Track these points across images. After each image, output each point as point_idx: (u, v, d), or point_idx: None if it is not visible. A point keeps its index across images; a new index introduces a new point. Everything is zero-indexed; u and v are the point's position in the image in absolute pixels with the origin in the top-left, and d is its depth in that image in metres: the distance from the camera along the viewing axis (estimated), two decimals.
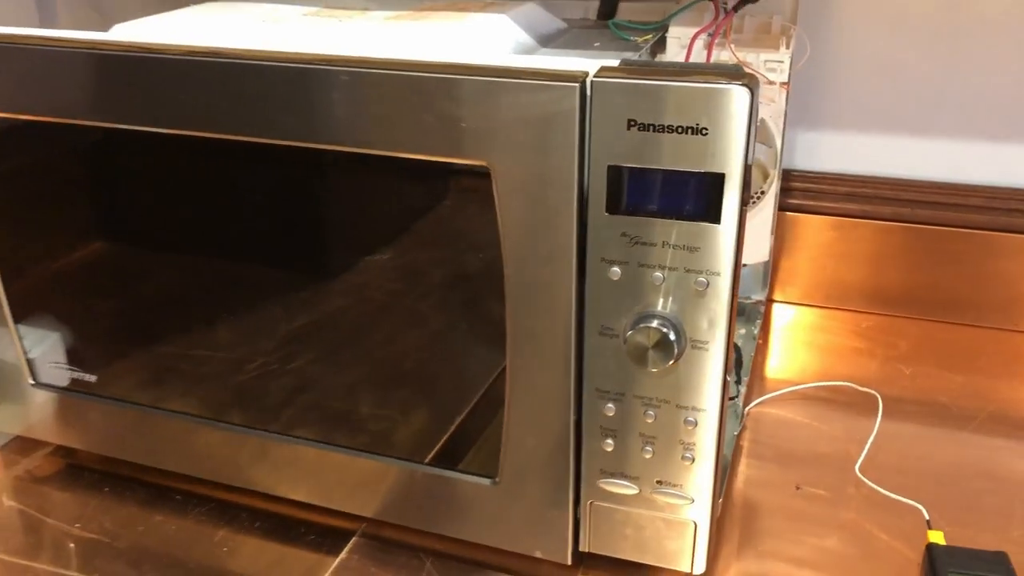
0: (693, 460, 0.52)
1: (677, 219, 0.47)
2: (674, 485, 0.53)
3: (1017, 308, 0.85)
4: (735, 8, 0.72)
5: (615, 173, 0.47)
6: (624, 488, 0.54)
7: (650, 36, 0.71)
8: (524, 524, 0.56)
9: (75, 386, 0.66)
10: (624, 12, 0.80)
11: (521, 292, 0.51)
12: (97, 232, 0.64)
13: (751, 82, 0.45)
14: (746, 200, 0.48)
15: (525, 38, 0.68)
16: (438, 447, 0.58)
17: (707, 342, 0.49)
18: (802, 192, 0.90)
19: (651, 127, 0.46)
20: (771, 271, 0.89)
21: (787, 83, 0.73)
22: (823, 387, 0.77)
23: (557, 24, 0.74)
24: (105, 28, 0.63)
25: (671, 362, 0.49)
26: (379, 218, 0.55)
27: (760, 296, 0.88)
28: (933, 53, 0.83)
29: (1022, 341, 0.84)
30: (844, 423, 0.72)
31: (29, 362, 0.67)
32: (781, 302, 0.93)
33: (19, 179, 0.63)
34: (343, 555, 0.61)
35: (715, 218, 0.47)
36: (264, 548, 0.62)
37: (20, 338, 0.66)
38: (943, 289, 0.87)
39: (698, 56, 0.70)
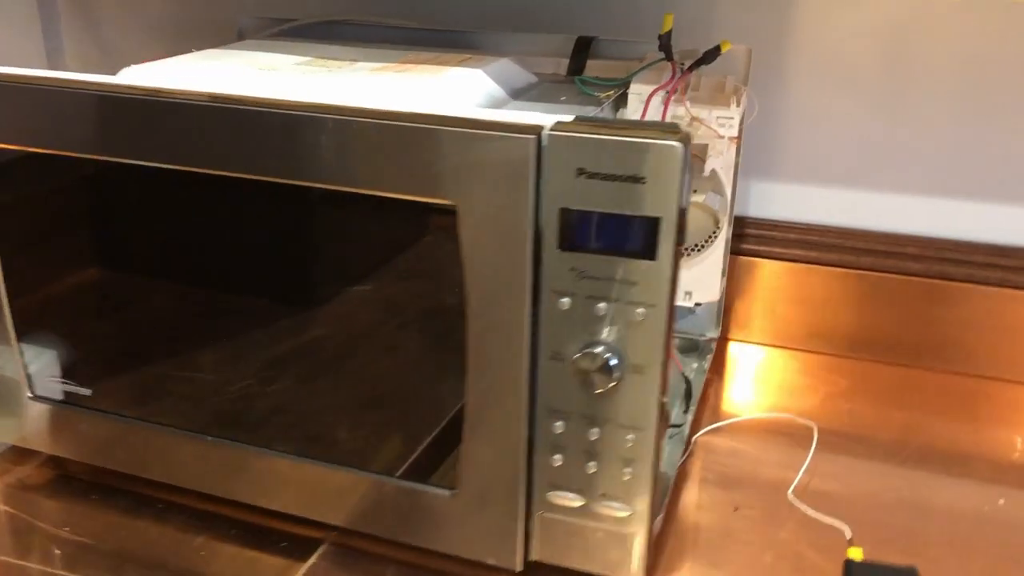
0: (632, 475, 0.58)
1: (619, 256, 0.53)
2: (616, 498, 0.59)
3: (948, 350, 0.92)
4: (690, 69, 0.79)
5: (566, 215, 0.53)
6: (571, 500, 0.60)
7: (611, 92, 0.78)
8: (479, 533, 0.61)
9: (70, 399, 0.71)
10: (592, 69, 0.86)
11: (482, 320, 0.56)
12: (95, 257, 0.69)
13: (684, 138, 0.51)
14: (681, 241, 0.54)
15: (498, 91, 0.74)
16: (409, 461, 0.64)
17: (644, 367, 0.55)
18: (755, 238, 0.97)
19: (597, 175, 0.52)
20: (724, 311, 0.95)
21: (737, 138, 0.79)
22: (765, 419, 0.83)
23: (529, 78, 0.81)
24: (113, 71, 0.69)
25: (612, 384, 0.55)
26: (360, 253, 0.61)
27: (713, 334, 0.94)
28: (876, 112, 0.91)
29: (952, 380, 0.91)
30: (783, 451, 0.78)
31: (28, 376, 0.72)
32: (737, 340, 0.99)
33: (27, 206, 0.69)
34: (312, 560, 0.65)
35: (652, 256, 0.53)
36: (239, 554, 0.66)
37: (22, 353, 0.71)
38: (882, 331, 0.94)
39: (655, 111, 0.77)
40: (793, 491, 0.72)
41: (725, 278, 0.92)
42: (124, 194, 0.66)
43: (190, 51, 0.78)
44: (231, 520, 0.69)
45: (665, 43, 0.77)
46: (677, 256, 0.53)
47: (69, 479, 0.74)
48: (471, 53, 0.82)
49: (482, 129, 0.52)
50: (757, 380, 0.91)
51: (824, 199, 0.95)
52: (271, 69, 0.73)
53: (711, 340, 0.93)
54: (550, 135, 0.52)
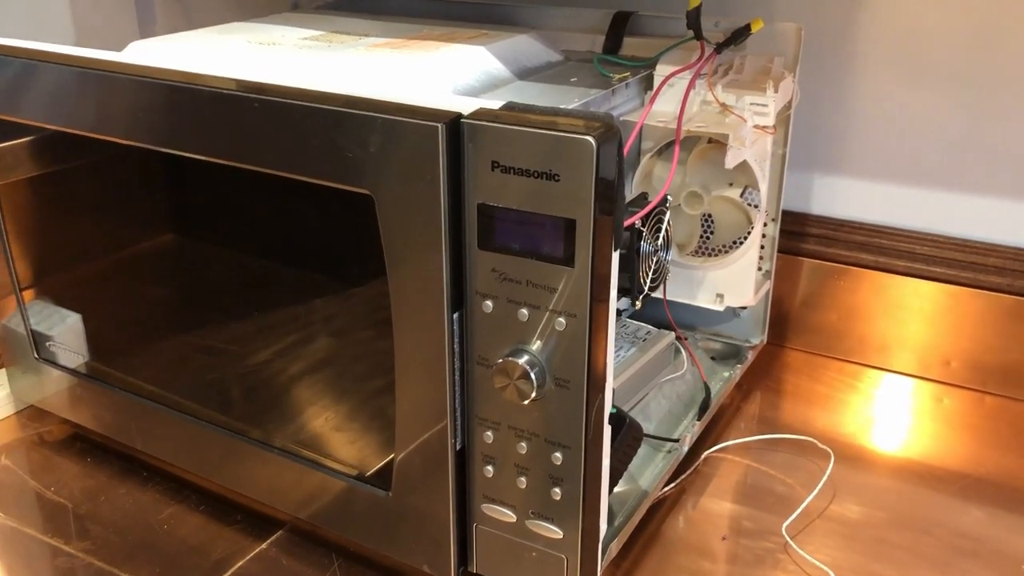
0: (563, 495, 0.53)
1: (537, 259, 0.49)
2: (545, 517, 0.54)
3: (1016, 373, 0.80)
4: (717, 49, 0.71)
5: (483, 210, 0.49)
6: (503, 515, 0.56)
7: (627, 74, 0.72)
8: (413, 538, 0.58)
9: (76, 366, 0.74)
10: (629, 47, 0.80)
11: (405, 317, 0.53)
12: (111, 235, 0.71)
13: (604, 133, 0.45)
14: (615, 245, 0.49)
15: (501, 71, 0.70)
16: (367, 460, 0.62)
17: (568, 381, 0.50)
18: (816, 238, 0.88)
19: (511, 170, 0.47)
20: (772, 315, 0.87)
21: (772, 127, 0.72)
22: (786, 439, 0.75)
23: (549, 56, 0.76)
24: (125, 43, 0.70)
25: (533, 396, 0.51)
26: (341, 248, 0.60)
27: (757, 340, 0.86)
28: (957, 103, 0.79)
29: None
30: (795, 478, 0.70)
31: (32, 337, 0.75)
32: (789, 348, 0.90)
33: (60, 182, 0.71)
34: (263, 545, 0.65)
35: (569, 261, 0.48)
36: (202, 528, 0.67)
37: (25, 313, 0.74)
38: (954, 350, 0.83)
39: (679, 94, 0.70)
40: (789, 526, 0.65)
41: (771, 280, 0.84)
42: (139, 169, 0.67)
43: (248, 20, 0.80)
44: (205, 495, 0.70)
45: (693, 20, 0.70)
46: (601, 261, 0.48)
47: (80, 439, 0.77)
48: (501, 28, 0.78)
49: (391, 114, 0.49)
50: (795, 395, 0.82)
51: (896, 199, 0.84)
52: (272, 45, 0.72)
53: (752, 347, 0.85)
54: (466, 123, 0.48)
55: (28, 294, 0.75)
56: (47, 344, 0.74)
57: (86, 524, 0.67)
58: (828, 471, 0.70)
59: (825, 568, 0.61)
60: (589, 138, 0.45)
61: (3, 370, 0.80)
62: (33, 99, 0.65)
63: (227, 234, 0.66)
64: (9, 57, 0.65)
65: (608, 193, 0.46)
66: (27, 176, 0.72)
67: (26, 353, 0.75)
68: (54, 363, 0.75)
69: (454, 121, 0.48)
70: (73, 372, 0.74)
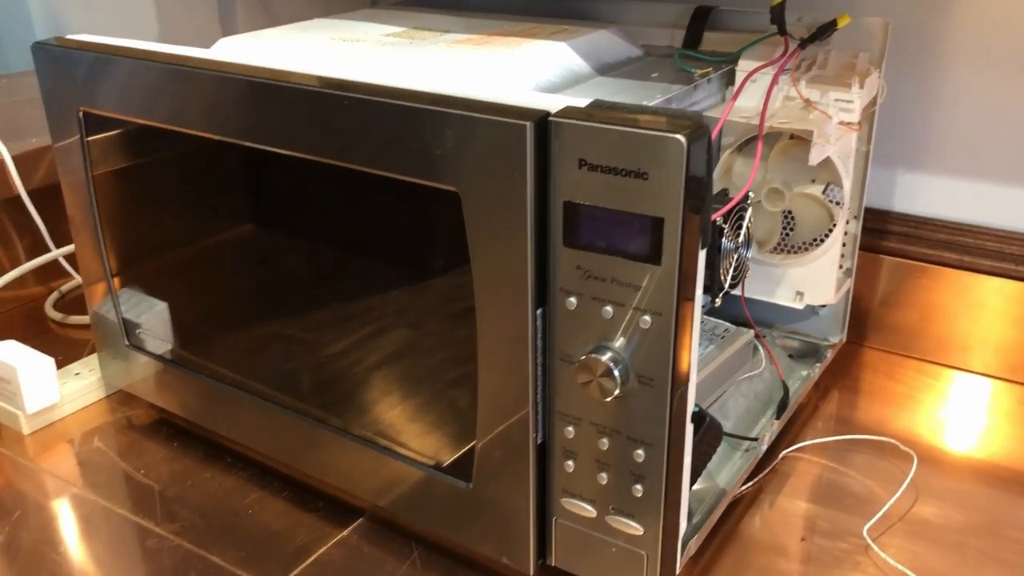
0: (644, 493, 0.53)
1: (623, 257, 0.49)
2: (625, 514, 0.55)
3: None
4: (801, 45, 0.70)
5: (569, 208, 0.49)
6: (583, 510, 0.56)
7: (709, 69, 0.71)
8: (493, 529, 0.59)
9: (164, 352, 0.76)
10: (710, 41, 0.80)
11: (489, 312, 0.54)
12: (196, 225, 0.72)
13: (694, 131, 0.45)
14: (702, 244, 0.49)
15: (581, 66, 0.70)
16: (446, 450, 0.62)
17: (652, 379, 0.50)
18: (898, 236, 0.86)
19: (599, 168, 0.48)
20: (852, 314, 0.85)
21: (859, 123, 0.70)
22: (867, 440, 0.74)
23: (629, 52, 0.76)
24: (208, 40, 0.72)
25: (616, 393, 0.51)
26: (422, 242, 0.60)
27: (836, 339, 0.85)
28: None
29: None
30: (873, 478, 0.69)
31: (123, 324, 0.77)
32: (869, 347, 0.89)
33: (149, 174, 0.73)
34: (345, 532, 0.66)
35: (656, 260, 0.48)
36: (284, 514, 0.68)
37: (116, 301, 0.76)
38: None
39: (761, 90, 0.70)
40: (870, 528, 0.64)
41: (852, 279, 0.83)
42: (226, 164, 0.69)
43: (330, 16, 0.82)
44: (287, 481, 0.71)
45: (777, 15, 0.69)
46: (688, 260, 0.48)
47: (166, 424, 0.80)
48: (581, 23, 0.78)
49: (479, 112, 0.49)
50: (873, 395, 0.81)
51: (983, 197, 0.82)
52: (356, 41, 0.73)
53: (833, 346, 0.84)
54: (554, 122, 0.48)
55: (117, 282, 0.77)
56: (136, 331, 0.77)
57: (173, 507, 0.69)
58: (911, 473, 0.69)
59: (908, 572, 0.60)
60: (679, 136, 0.45)
61: (95, 355, 0.83)
62: (128, 95, 0.67)
63: (306, 225, 0.67)
64: (105, 55, 0.67)
65: (697, 192, 0.46)
66: (118, 167, 0.74)
67: (117, 339, 0.78)
68: (142, 350, 0.77)
69: (542, 119, 0.48)
70: (160, 358, 0.76)
